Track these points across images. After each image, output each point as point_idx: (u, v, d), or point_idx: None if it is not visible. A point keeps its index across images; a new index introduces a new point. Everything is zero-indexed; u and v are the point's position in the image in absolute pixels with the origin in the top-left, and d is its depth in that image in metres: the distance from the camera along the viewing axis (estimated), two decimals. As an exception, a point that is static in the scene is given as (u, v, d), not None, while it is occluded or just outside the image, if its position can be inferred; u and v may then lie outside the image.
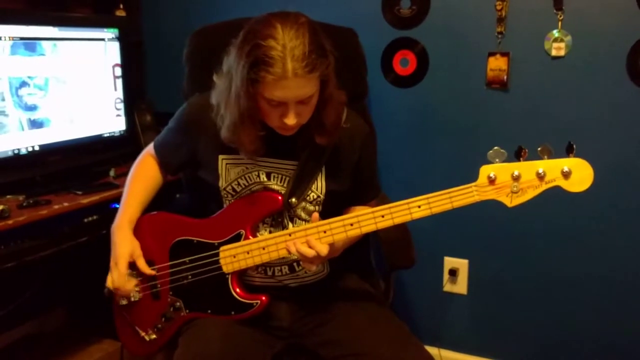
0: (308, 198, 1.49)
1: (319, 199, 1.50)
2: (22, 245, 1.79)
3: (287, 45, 1.24)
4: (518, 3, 2.07)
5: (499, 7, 2.08)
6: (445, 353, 2.43)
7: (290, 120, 1.32)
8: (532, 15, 2.05)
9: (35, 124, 2.00)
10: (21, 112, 1.96)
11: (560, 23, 2.02)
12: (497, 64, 2.12)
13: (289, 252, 1.39)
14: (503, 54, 2.11)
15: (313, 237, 1.36)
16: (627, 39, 1.96)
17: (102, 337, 2.51)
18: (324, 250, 1.35)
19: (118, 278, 1.46)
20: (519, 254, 2.25)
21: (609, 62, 1.99)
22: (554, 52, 2.04)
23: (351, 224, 1.37)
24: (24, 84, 1.96)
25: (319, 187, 1.50)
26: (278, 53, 1.23)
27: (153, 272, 1.49)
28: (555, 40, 2.03)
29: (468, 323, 2.40)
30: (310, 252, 1.35)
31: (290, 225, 1.50)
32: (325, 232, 1.37)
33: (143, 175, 1.61)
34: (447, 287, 2.39)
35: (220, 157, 1.49)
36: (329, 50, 1.32)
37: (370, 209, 1.37)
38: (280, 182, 1.48)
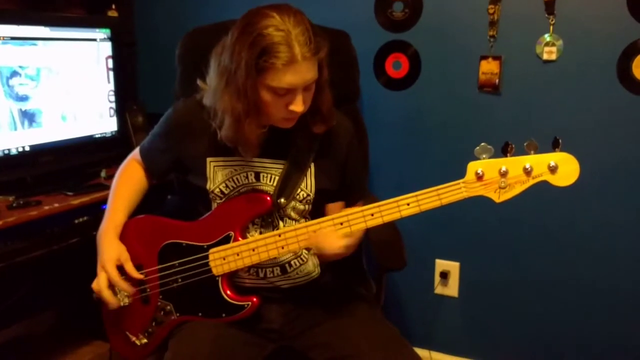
0: (298, 197, 1.49)
1: (309, 198, 1.50)
2: (12, 246, 1.78)
3: (291, 32, 1.26)
4: (510, 7, 2.07)
5: (491, 11, 2.09)
6: (436, 355, 2.43)
7: (299, 106, 1.32)
8: (524, 19, 2.06)
9: (27, 115, 1.99)
10: (12, 103, 1.95)
11: (551, 27, 2.03)
12: (489, 68, 2.13)
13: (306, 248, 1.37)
14: (495, 58, 2.12)
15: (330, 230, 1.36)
16: (618, 44, 1.97)
17: (92, 338, 2.51)
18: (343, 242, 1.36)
19: (112, 280, 1.44)
20: (510, 256, 2.26)
21: (599, 66, 2.01)
22: (545, 56, 2.05)
23: (341, 223, 1.37)
24: (15, 73, 1.95)
25: (308, 186, 1.50)
26: (285, 39, 1.25)
27: (141, 276, 1.48)
28: (547, 44, 2.04)
29: (459, 325, 2.41)
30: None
31: (281, 224, 1.49)
32: (315, 232, 1.37)
33: (128, 180, 1.60)
34: (439, 289, 2.39)
35: (209, 159, 1.49)
36: (322, 34, 1.34)
37: (359, 208, 1.37)
38: (270, 181, 1.48)
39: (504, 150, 1.28)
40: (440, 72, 2.23)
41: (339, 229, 1.37)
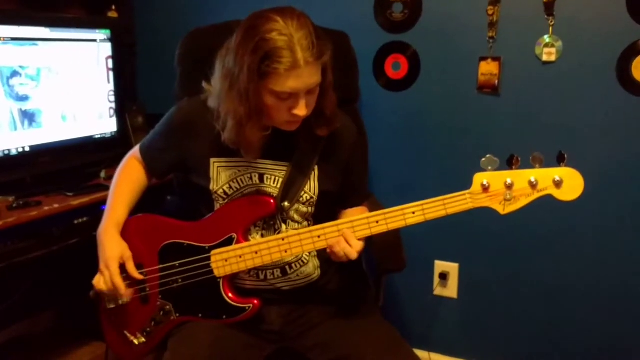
0: (301, 199, 1.49)
1: (312, 200, 1.50)
2: (12, 246, 1.78)
3: (294, 36, 1.25)
4: (509, 8, 2.08)
5: (490, 12, 2.09)
6: (435, 356, 2.43)
7: (302, 110, 1.32)
8: (523, 20, 2.06)
9: (27, 115, 1.99)
10: (12, 103, 1.95)
11: (551, 28, 2.03)
12: (488, 69, 2.13)
13: (331, 249, 1.38)
14: (494, 59, 2.12)
15: (348, 232, 1.37)
16: (618, 45, 1.97)
17: (91, 339, 2.50)
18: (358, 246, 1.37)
19: (112, 279, 1.43)
20: (509, 258, 2.26)
21: (599, 67, 2.01)
22: (544, 57, 2.06)
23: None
24: (15, 73, 1.95)
25: (312, 188, 1.50)
26: (287, 44, 1.25)
27: (141, 277, 1.48)
28: (546, 45, 2.04)
29: (458, 327, 2.41)
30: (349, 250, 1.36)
31: (284, 227, 1.49)
32: (319, 236, 1.38)
33: (128, 179, 1.59)
34: (438, 290, 2.39)
35: (212, 160, 1.48)
36: (326, 37, 1.33)
37: (364, 215, 1.38)
38: (274, 183, 1.48)
39: (509, 163, 1.30)
40: (440, 73, 2.23)
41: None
